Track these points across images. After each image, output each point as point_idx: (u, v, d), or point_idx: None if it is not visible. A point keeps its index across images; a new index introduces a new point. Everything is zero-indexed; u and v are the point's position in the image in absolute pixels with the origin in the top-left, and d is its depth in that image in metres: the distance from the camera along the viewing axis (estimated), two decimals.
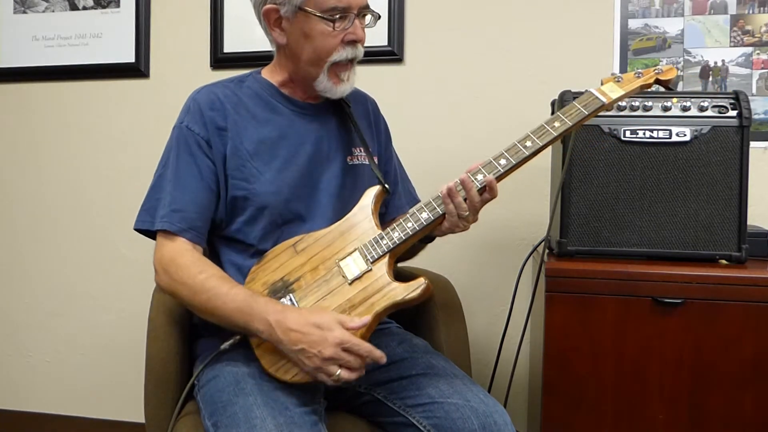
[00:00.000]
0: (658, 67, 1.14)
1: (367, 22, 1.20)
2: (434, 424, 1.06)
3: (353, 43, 1.17)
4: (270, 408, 1.00)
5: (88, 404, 2.12)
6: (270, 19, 1.20)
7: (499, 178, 1.08)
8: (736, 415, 1.20)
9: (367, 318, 1.04)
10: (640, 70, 1.14)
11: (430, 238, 1.23)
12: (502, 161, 1.08)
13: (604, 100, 1.09)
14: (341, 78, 1.19)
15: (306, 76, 1.20)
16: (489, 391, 1.55)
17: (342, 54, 1.17)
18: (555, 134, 1.07)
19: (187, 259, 1.13)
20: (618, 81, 1.12)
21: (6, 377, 2.18)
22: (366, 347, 1.01)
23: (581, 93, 1.12)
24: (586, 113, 1.08)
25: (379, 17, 1.23)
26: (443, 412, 1.06)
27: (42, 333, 2.15)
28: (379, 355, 1.02)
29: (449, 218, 1.10)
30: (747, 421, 1.19)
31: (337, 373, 1.00)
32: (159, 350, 1.21)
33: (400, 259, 1.38)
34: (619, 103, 1.31)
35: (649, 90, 1.17)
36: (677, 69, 1.71)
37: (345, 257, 1.12)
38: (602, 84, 1.13)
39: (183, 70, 2.01)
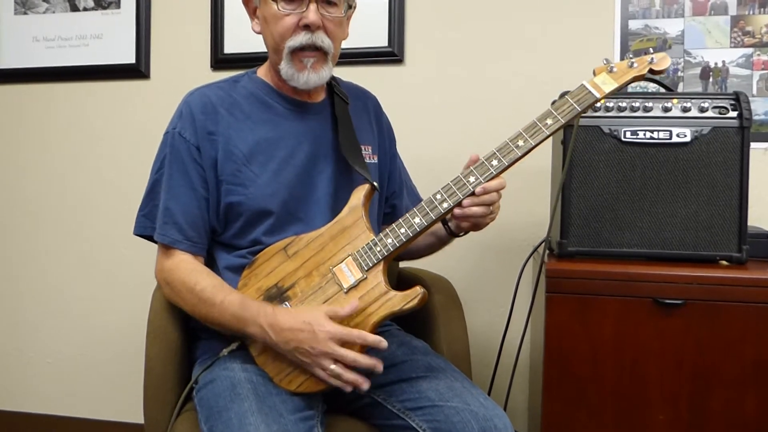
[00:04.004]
0: (651, 56, 1.11)
1: (335, 12, 1.16)
2: (434, 428, 1.06)
3: (307, 27, 1.14)
4: (264, 415, 1.00)
5: (88, 405, 2.12)
6: (249, 9, 1.22)
7: (492, 179, 1.08)
8: (737, 416, 1.20)
9: (355, 303, 1.05)
10: (633, 59, 1.10)
11: (454, 235, 1.23)
12: (494, 162, 1.07)
13: (598, 94, 1.07)
14: (305, 64, 1.16)
15: (275, 64, 1.19)
16: (489, 392, 1.56)
17: (296, 39, 1.14)
18: (548, 132, 1.06)
19: (182, 272, 1.15)
20: (611, 72, 1.09)
21: (6, 377, 2.18)
22: (356, 333, 1.03)
23: None
24: (579, 110, 1.06)
25: (351, 6, 1.20)
26: (443, 415, 1.06)
27: (42, 333, 2.15)
28: (372, 339, 1.03)
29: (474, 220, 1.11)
30: (748, 422, 1.19)
31: (331, 367, 1.01)
32: (158, 351, 1.20)
33: (414, 256, 1.37)
34: (620, 103, 1.32)
35: (649, 91, 1.16)
36: (678, 70, 1.71)
37: (339, 263, 1.10)
38: (595, 75, 1.10)
39: (183, 71, 2.01)
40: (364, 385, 1.04)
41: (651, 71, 1.11)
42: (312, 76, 1.17)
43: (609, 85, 1.08)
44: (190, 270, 1.16)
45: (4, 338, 2.18)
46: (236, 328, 1.10)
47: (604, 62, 1.10)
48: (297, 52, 1.16)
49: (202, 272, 1.16)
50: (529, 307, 1.46)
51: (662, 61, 1.10)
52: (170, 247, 1.17)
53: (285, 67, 1.17)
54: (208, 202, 1.18)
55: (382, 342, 1.03)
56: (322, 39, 1.15)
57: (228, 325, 1.10)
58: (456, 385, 1.11)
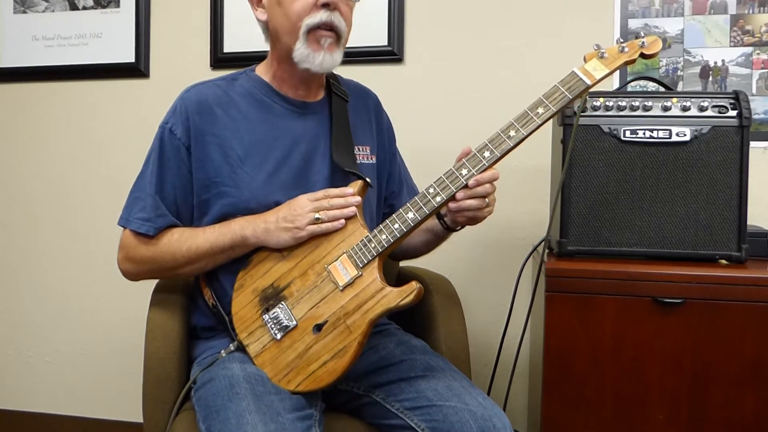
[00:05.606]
0: (642, 39, 1.09)
1: None
2: (432, 428, 1.05)
3: (327, 6, 1.13)
4: (262, 414, 0.99)
5: (88, 404, 2.12)
6: None
7: (484, 170, 1.07)
8: (736, 415, 1.19)
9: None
10: (624, 44, 1.08)
11: (451, 230, 1.23)
12: (486, 153, 1.07)
13: (588, 81, 1.05)
14: (321, 44, 1.15)
15: (287, 51, 1.17)
16: (489, 392, 1.56)
17: (316, 16, 1.13)
18: (539, 122, 1.05)
19: (143, 240, 1.18)
20: (602, 57, 1.07)
21: (6, 377, 2.18)
22: (337, 189, 1.12)
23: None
24: (570, 97, 1.05)
25: None
26: (441, 415, 1.05)
27: (42, 333, 2.15)
28: (350, 191, 1.12)
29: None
30: (747, 422, 1.19)
31: (317, 215, 1.08)
32: (157, 350, 1.20)
33: (411, 254, 1.36)
34: (619, 102, 1.32)
35: (648, 90, 1.15)
36: (677, 69, 1.71)
37: (333, 261, 1.10)
38: (585, 61, 1.08)
39: (183, 70, 2.00)
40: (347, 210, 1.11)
41: (642, 55, 1.09)
42: (327, 57, 1.16)
43: (600, 71, 1.06)
44: (150, 238, 1.18)
45: (3, 337, 2.18)
46: (220, 241, 1.14)
47: (595, 48, 1.08)
48: (314, 30, 1.14)
49: (165, 234, 1.18)
50: (529, 306, 1.46)
51: (653, 44, 1.08)
52: (125, 228, 1.21)
53: (300, 47, 1.15)
54: (188, 203, 1.19)
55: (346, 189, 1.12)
56: (339, 20, 1.15)
57: (213, 240, 1.14)
58: (455, 384, 1.11)
